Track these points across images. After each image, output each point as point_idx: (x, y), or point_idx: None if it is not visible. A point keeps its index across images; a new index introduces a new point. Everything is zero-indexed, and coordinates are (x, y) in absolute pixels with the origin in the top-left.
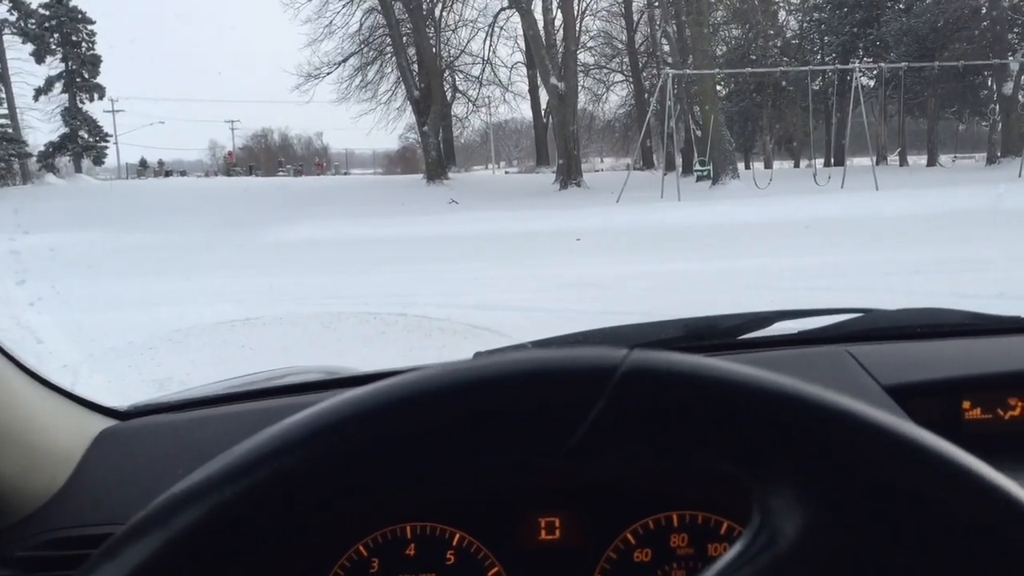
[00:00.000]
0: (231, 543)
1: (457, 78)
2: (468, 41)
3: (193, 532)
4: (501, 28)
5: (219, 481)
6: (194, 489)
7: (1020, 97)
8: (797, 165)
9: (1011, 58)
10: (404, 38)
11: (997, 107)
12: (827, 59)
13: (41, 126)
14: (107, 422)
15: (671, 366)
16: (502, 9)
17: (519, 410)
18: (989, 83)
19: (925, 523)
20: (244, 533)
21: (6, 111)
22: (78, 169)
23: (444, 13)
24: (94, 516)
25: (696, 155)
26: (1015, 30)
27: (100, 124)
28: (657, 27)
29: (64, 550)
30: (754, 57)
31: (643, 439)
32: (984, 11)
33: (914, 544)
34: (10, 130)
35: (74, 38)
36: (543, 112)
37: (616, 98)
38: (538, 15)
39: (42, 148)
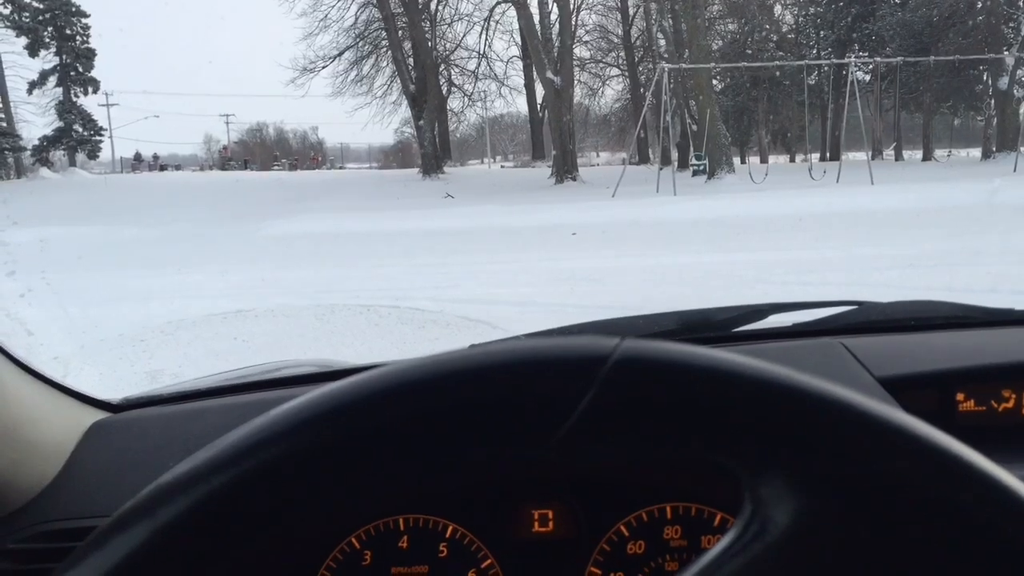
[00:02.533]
0: (218, 535)
1: (453, 72)
2: (464, 35)
3: (180, 523)
4: (497, 22)
5: (206, 472)
6: (181, 480)
7: (1015, 92)
8: (793, 160)
9: (1006, 53)
10: (400, 32)
11: (992, 102)
12: (823, 53)
13: (35, 120)
14: (99, 414)
15: (662, 355)
16: (498, 3)
17: (508, 400)
18: (984, 78)
19: (916, 512)
20: (232, 525)
21: (0, 105)
22: (72, 163)
23: (440, 7)
24: (86, 508)
25: (692, 149)
26: (1010, 24)
27: (94, 118)
28: (653, 21)
29: (55, 542)
30: (750, 51)
31: (634, 429)
32: (979, 5)
33: (905, 533)
34: (4, 124)
35: (68, 32)
36: (539, 106)
37: (612, 92)
38: (534, 9)
39: (36, 142)
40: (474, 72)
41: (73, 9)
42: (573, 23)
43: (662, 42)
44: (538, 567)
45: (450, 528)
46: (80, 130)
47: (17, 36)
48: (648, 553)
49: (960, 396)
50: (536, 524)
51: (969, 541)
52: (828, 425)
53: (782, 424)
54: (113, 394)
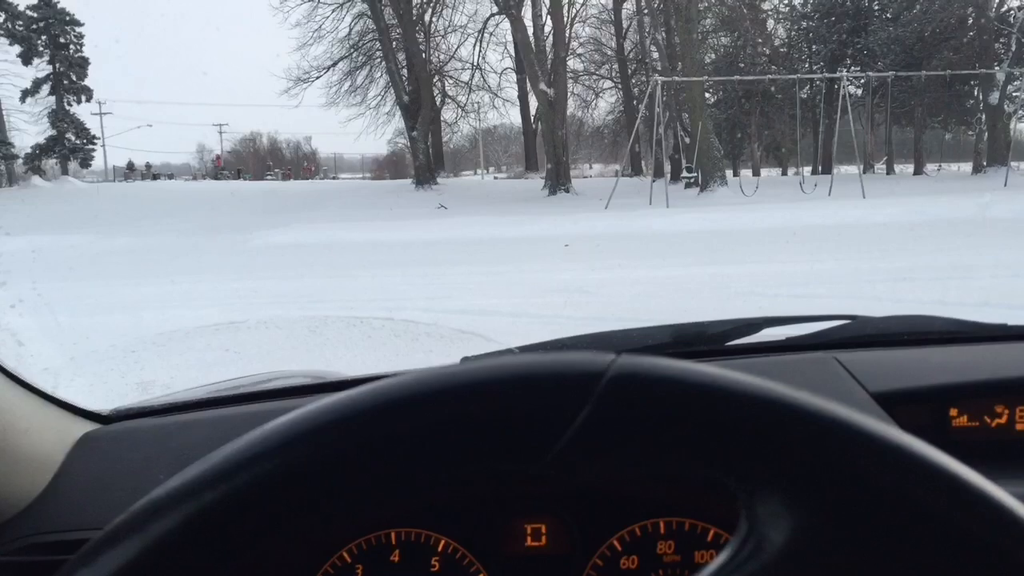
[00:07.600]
0: (210, 549)
1: (447, 83)
2: (458, 47)
3: (171, 538)
4: (491, 34)
5: (198, 487)
6: (173, 494)
7: (1006, 107)
8: (785, 173)
9: (997, 68)
10: (394, 43)
11: (983, 116)
12: (815, 68)
13: (28, 128)
14: (89, 426)
15: (658, 371)
16: (492, 15)
17: (504, 415)
18: (975, 93)
19: (913, 530)
20: (223, 539)
21: None
22: (65, 171)
23: (434, 18)
24: (75, 521)
25: (684, 162)
26: (1001, 40)
27: (87, 126)
28: (646, 34)
29: (44, 555)
30: (743, 65)
31: (629, 445)
32: (971, 21)
33: (902, 551)
34: None
35: (62, 40)
36: (532, 118)
37: (605, 105)
38: (528, 21)
39: (28, 150)
40: (468, 83)
41: (67, 18)
42: (567, 35)
43: (655, 55)
44: None
45: (442, 542)
46: (73, 139)
47: (11, 44)
48: (641, 568)
49: (953, 411)
50: (529, 539)
51: (969, 562)
52: (826, 443)
53: (779, 442)
54: (103, 405)
